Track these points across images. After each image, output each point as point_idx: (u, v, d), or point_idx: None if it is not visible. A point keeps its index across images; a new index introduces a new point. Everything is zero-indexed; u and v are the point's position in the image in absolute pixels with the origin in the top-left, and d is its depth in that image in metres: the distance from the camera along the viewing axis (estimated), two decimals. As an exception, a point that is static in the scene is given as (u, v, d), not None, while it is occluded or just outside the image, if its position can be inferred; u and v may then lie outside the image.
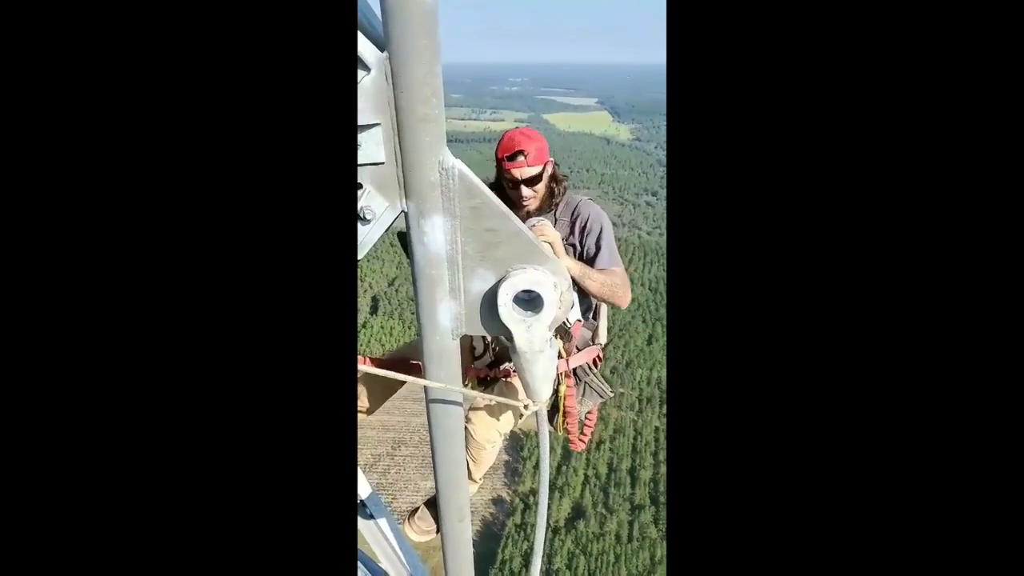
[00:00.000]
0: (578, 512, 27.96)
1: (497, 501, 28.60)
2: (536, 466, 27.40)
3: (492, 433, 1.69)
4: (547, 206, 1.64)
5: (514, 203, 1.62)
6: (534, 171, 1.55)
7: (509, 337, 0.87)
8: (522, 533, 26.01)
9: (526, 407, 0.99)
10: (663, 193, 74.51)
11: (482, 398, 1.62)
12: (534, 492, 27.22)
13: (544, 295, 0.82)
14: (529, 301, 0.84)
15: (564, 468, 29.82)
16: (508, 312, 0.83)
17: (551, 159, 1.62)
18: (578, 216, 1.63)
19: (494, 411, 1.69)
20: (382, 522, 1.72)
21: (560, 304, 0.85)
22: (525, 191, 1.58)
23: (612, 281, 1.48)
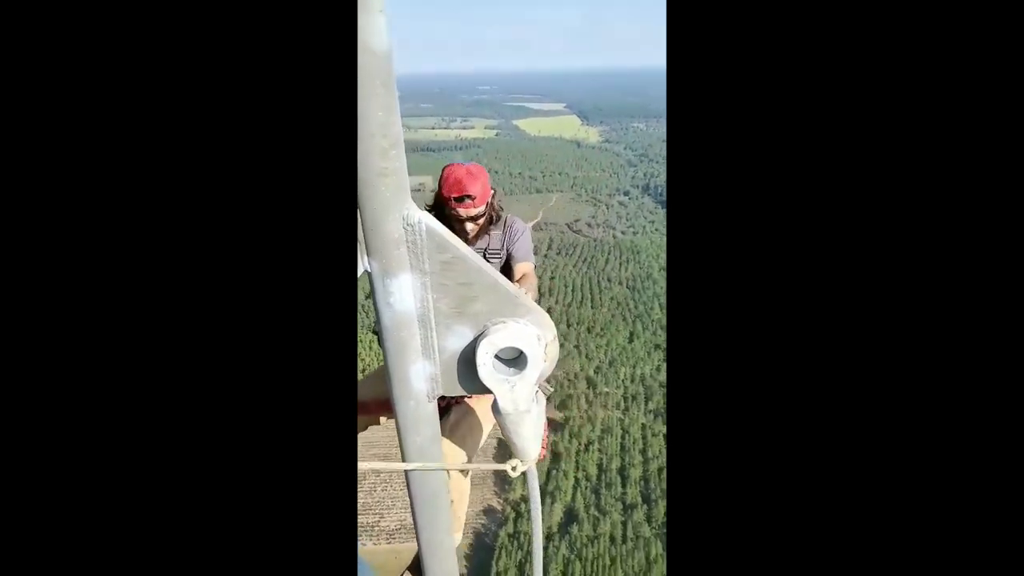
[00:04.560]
0: (571, 516, 27.81)
1: (488, 511, 28.25)
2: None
3: (460, 460, 1.60)
4: (485, 231, 1.81)
5: (456, 233, 1.68)
6: (479, 210, 1.73)
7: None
8: (515, 542, 25.72)
9: (514, 468, 0.92)
10: (635, 193, 75.34)
11: (464, 468, 1.54)
12: (524, 499, 26.97)
13: (528, 351, 0.75)
14: (512, 358, 0.78)
15: (555, 472, 29.66)
16: (489, 372, 0.76)
17: (492, 189, 1.78)
18: (510, 228, 1.85)
19: (457, 438, 1.60)
20: None
21: (546, 358, 0.78)
22: (469, 226, 1.74)
23: (530, 285, 1.67)
